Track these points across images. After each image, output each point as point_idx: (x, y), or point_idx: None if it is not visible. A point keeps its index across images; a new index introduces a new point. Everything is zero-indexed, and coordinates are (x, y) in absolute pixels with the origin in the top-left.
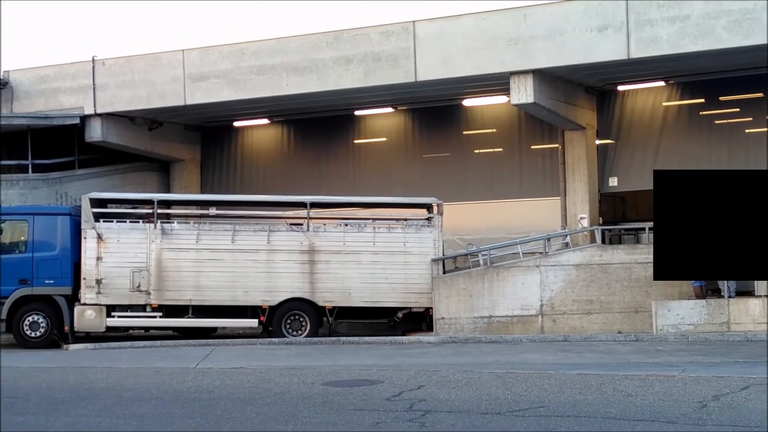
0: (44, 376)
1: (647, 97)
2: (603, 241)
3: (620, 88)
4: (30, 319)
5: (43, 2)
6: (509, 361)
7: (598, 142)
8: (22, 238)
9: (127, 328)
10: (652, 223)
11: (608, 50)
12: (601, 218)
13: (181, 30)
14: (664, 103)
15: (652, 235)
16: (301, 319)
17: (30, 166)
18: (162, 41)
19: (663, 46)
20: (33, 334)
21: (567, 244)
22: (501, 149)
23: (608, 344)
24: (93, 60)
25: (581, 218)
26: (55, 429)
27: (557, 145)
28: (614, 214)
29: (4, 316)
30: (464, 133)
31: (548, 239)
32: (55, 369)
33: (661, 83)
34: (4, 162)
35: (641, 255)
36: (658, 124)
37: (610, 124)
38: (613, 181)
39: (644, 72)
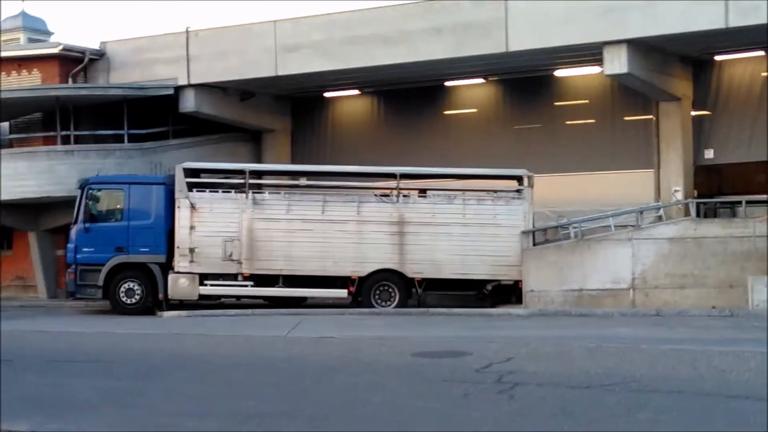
0: (140, 342)
1: (745, 67)
2: (697, 215)
3: (717, 57)
4: (126, 286)
5: None
6: (600, 334)
7: (693, 113)
8: (118, 206)
9: (219, 297)
10: (749, 196)
11: (706, 19)
12: (696, 191)
13: (273, 1)
14: (763, 74)
15: (748, 209)
16: (390, 290)
17: (126, 136)
18: (254, 12)
19: (763, 15)
20: (128, 301)
21: (660, 218)
22: (593, 121)
23: (702, 319)
24: (187, 31)
25: (675, 191)
26: (150, 394)
27: (651, 117)
28: (709, 187)
29: (101, 283)
30: (556, 104)
31: (641, 212)
32: (150, 335)
33: (761, 53)
34: (100, 132)
35: (737, 229)
36: (757, 95)
37: (707, 95)
38: (709, 153)
39: (743, 41)
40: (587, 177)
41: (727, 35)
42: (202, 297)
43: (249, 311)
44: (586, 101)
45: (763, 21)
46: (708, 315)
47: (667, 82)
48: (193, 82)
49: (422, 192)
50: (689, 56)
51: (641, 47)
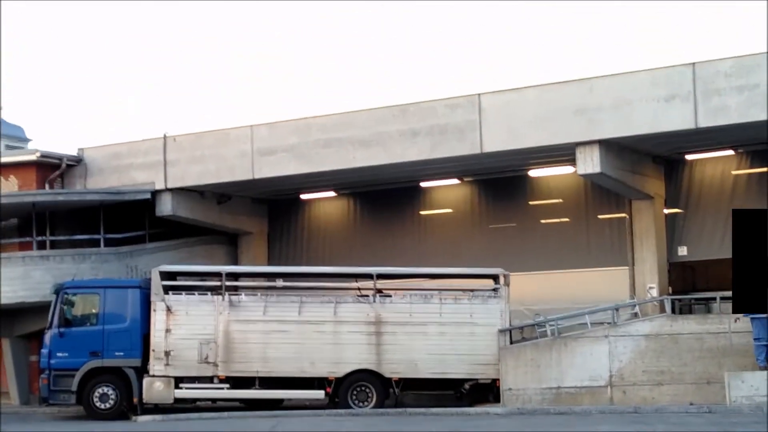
0: None
1: (716, 165)
2: (673, 311)
3: (688, 157)
4: (100, 390)
5: (114, 80)
6: None
7: (666, 211)
8: (93, 310)
9: (195, 400)
10: (722, 292)
11: (676, 120)
12: (670, 288)
13: (249, 107)
14: (734, 172)
15: (722, 305)
16: (368, 390)
17: (102, 240)
18: (230, 118)
19: (731, 115)
20: (103, 406)
21: (636, 314)
22: (567, 219)
23: (680, 416)
24: (164, 137)
25: (650, 288)
26: None
27: (625, 215)
28: (684, 284)
29: (74, 388)
30: (530, 203)
31: (617, 309)
32: None
33: (730, 152)
34: (76, 237)
35: (713, 325)
36: (728, 192)
37: (679, 193)
38: (683, 251)
39: (713, 141)
40: (563, 275)
41: (697, 135)
42: (177, 400)
43: (225, 414)
44: (560, 200)
45: (732, 121)
46: (686, 411)
47: (639, 181)
48: (170, 186)
49: (399, 291)
50: (661, 155)
51: (613, 147)
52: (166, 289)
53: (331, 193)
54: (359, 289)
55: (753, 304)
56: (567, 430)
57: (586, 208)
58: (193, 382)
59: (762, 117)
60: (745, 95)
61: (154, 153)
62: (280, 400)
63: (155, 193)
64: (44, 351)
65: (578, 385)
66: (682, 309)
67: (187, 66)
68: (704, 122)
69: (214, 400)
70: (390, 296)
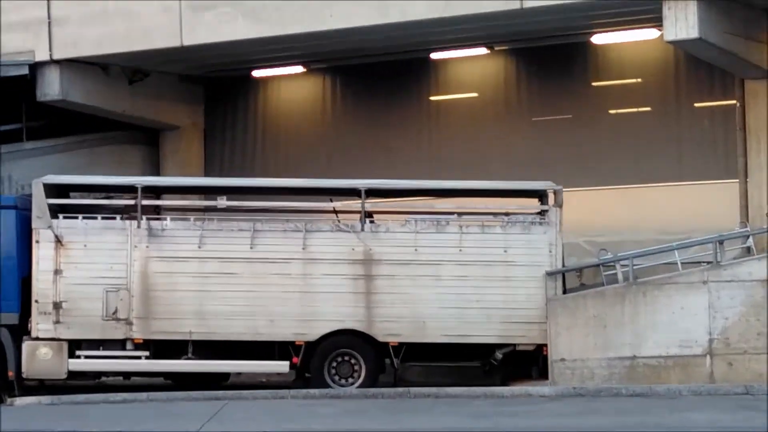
0: None
1: None
2: None
3: None
4: None
5: None
6: (662, 423)
7: None
8: None
9: (99, 374)
10: None
11: None
12: None
13: None
14: None
15: None
16: (353, 362)
17: None
18: None
19: None
20: None
21: (749, 250)
22: (649, 108)
23: None
24: None
25: None
26: None
27: (734, 102)
28: None
29: None
30: (594, 84)
31: (721, 242)
32: None
33: None
34: None
35: None
36: None
37: None
38: None
39: None
40: (641, 191)
41: None
42: (73, 375)
43: (144, 395)
44: (638, 80)
45: None
46: None
47: (756, 51)
48: (57, 57)
49: (399, 214)
50: None
51: (718, 2)
52: (55, 211)
53: (299, 69)
54: (339, 212)
55: None
56: (644, 419)
57: (676, 91)
58: (96, 348)
59: None
60: None
61: (31, 6)
62: (226, 375)
63: (35, 68)
64: None
65: (662, 354)
66: None
67: None
68: None
69: (127, 375)
70: (386, 223)
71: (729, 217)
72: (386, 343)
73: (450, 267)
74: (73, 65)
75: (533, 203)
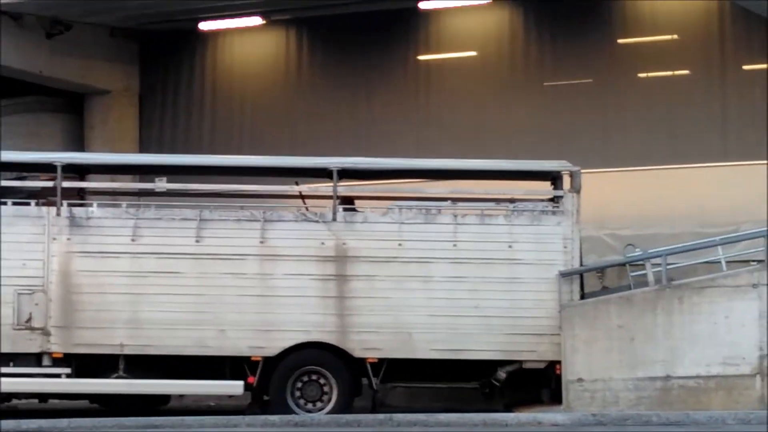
0: None
1: None
2: None
3: None
4: None
5: None
6: None
7: None
8: None
9: (9, 396)
10: None
11: None
12: None
13: None
14: None
15: None
16: (322, 382)
17: None
18: None
19: None
20: None
21: None
22: (687, 71)
23: None
24: None
25: None
26: None
27: None
28: None
29: None
30: (619, 42)
31: None
32: None
33: None
34: None
35: None
36: None
37: None
38: None
39: None
40: (676, 173)
41: None
42: None
43: (64, 422)
44: (674, 37)
45: None
46: None
47: None
48: None
49: (379, 200)
50: None
51: None
52: None
53: (257, 21)
54: (306, 197)
55: None
56: None
57: (720, 51)
58: (6, 364)
59: None
60: None
61: None
62: (165, 398)
63: None
64: None
65: (702, 374)
66: None
67: None
68: None
69: (43, 396)
70: (363, 211)
71: None
72: (363, 359)
73: (442, 266)
74: None
75: (544, 187)
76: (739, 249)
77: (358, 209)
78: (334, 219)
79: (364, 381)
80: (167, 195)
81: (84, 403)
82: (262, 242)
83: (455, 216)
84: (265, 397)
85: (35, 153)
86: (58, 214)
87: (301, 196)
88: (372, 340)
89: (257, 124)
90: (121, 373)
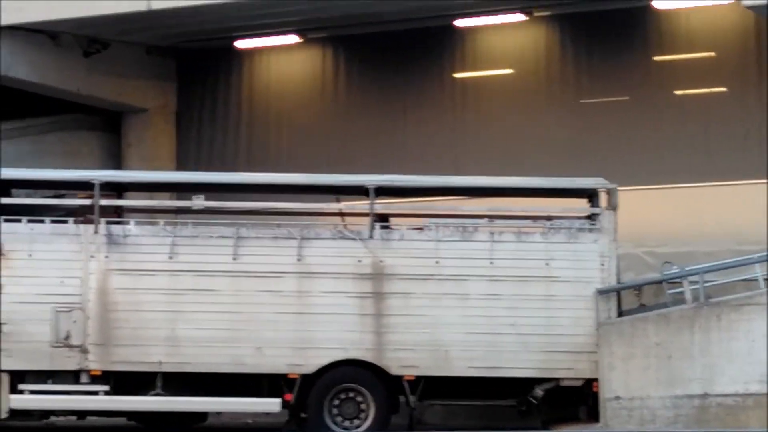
0: None
1: None
2: None
3: None
4: None
5: None
6: None
7: None
8: None
9: (48, 413)
10: None
11: None
12: None
13: None
14: None
15: None
16: (359, 399)
17: None
18: None
19: None
20: None
21: None
22: (724, 89)
23: None
24: None
25: None
26: None
27: None
28: None
29: None
30: (655, 59)
31: None
32: None
33: None
34: None
35: None
36: None
37: None
38: None
39: None
40: (714, 191)
41: None
42: (15, 413)
43: None
44: (711, 54)
45: None
46: None
47: None
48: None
49: (416, 218)
50: None
51: None
52: None
53: (293, 39)
54: (344, 215)
55: None
56: None
57: (757, 68)
58: (44, 381)
59: None
60: None
61: None
62: (203, 415)
63: None
64: None
65: (741, 392)
66: None
67: None
68: None
69: (81, 414)
70: (399, 229)
71: None
72: (400, 377)
73: (479, 283)
74: (16, 34)
75: (581, 205)
76: None
77: (393, 227)
78: (371, 236)
79: (402, 398)
80: (204, 213)
81: (122, 421)
82: (299, 260)
83: (492, 233)
84: (303, 415)
85: (73, 171)
86: (96, 232)
87: (341, 214)
88: (409, 357)
89: (293, 142)
90: (158, 390)
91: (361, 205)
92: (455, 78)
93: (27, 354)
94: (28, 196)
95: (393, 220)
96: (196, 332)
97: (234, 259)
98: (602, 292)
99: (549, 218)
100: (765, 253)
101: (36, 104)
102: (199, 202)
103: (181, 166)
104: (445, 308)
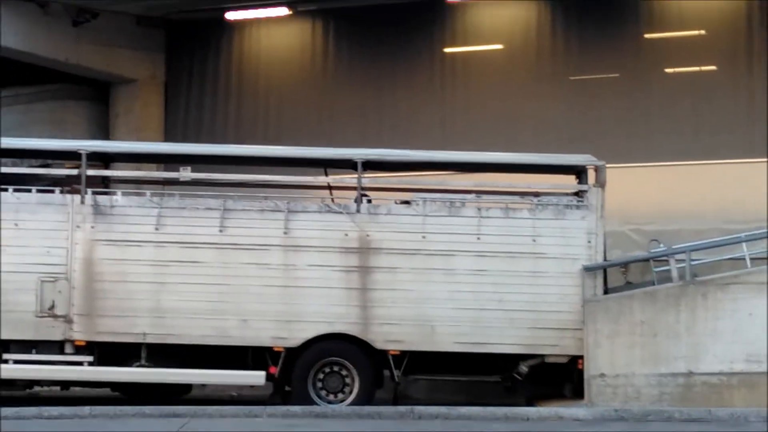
0: None
1: None
2: None
3: None
4: None
5: None
6: None
7: None
8: None
9: (32, 383)
10: None
11: None
12: None
13: None
14: None
15: None
16: (344, 373)
17: None
18: None
19: None
20: None
21: None
22: (714, 67)
23: None
24: None
25: None
26: None
27: None
28: None
29: None
30: (646, 37)
31: None
32: None
33: None
34: None
35: None
36: None
37: None
38: None
39: None
40: (702, 169)
41: None
42: (1, 383)
43: (86, 409)
44: (701, 32)
45: None
46: None
47: None
48: None
49: (402, 192)
50: None
51: None
52: None
53: (283, 11)
54: (331, 188)
55: None
56: None
57: (748, 47)
58: (29, 351)
59: None
60: None
61: None
62: (187, 387)
63: None
64: None
65: (725, 371)
66: None
67: None
68: None
69: (65, 384)
70: (387, 204)
71: None
72: (385, 351)
73: (465, 259)
74: (5, 2)
75: (569, 182)
76: (764, 246)
77: (378, 201)
78: (358, 210)
79: (386, 373)
80: (191, 184)
81: (106, 391)
82: (285, 233)
83: (479, 209)
84: (287, 388)
85: (60, 140)
86: (83, 202)
87: (329, 187)
88: (394, 332)
89: (282, 115)
90: (143, 361)
91: (348, 178)
92: (445, 53)
93: (12, 324)
94: (14, 165)
95: (381, 194)
96: (181, 304)
97: (220, 231)
98: (589, 270)
99: (536, 194)
100: (752, 233)
101: (25, 74)
102: (186, 173)
103: (169, 138)
104: (431, 283)
